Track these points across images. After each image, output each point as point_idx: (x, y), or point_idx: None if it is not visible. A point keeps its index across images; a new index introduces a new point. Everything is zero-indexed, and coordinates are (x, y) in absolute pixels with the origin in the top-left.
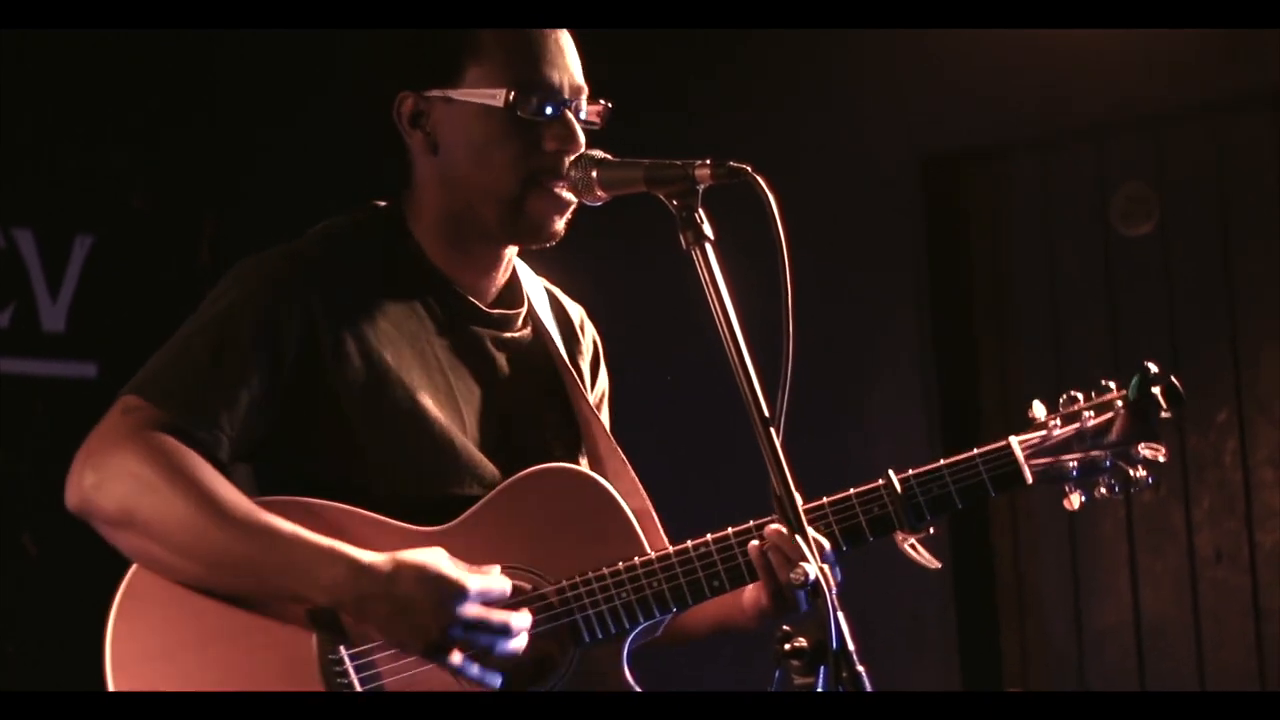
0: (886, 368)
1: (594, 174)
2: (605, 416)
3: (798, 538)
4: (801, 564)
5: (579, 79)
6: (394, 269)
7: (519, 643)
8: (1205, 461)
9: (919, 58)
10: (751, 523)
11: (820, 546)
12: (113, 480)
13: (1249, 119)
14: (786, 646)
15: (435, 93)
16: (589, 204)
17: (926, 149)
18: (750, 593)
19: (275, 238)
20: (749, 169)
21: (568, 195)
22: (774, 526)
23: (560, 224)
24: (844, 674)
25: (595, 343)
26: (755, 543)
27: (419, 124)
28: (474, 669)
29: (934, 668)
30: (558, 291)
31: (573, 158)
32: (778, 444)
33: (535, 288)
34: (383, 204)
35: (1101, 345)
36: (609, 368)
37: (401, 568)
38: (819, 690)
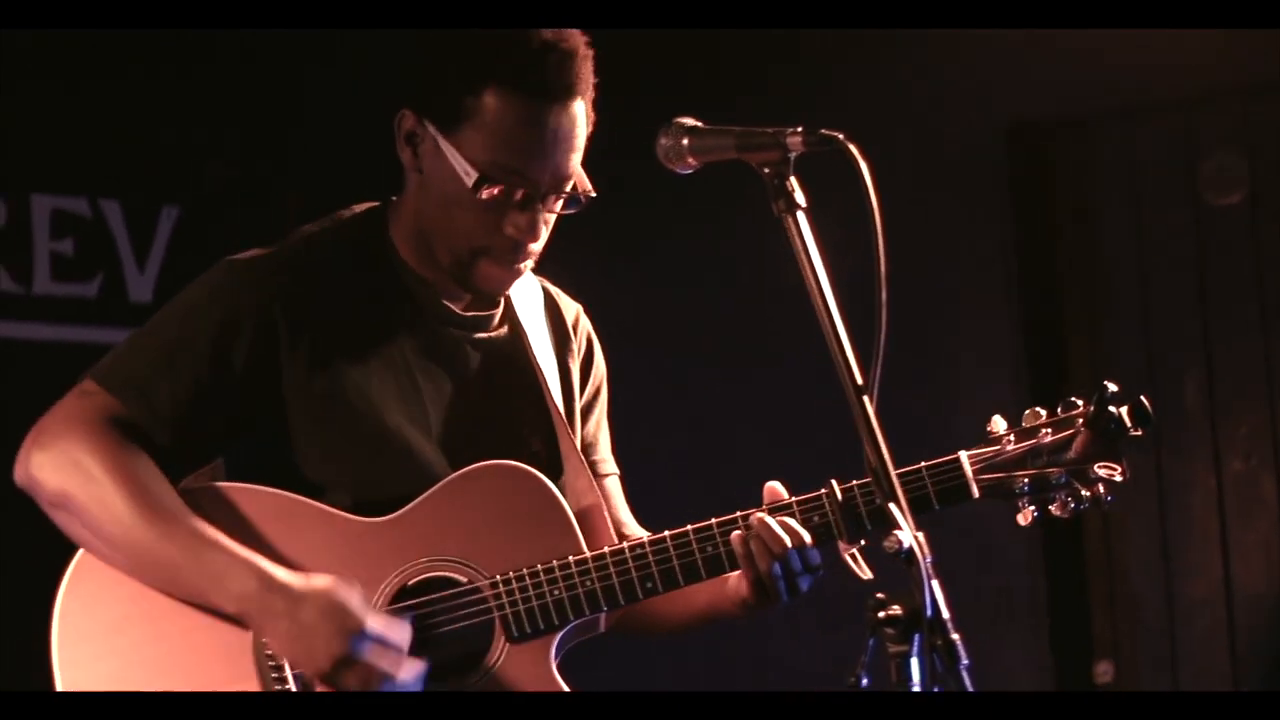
0: (972, 339)
1: (685, 142)
2: (600, 410)
3: (891, 506)
4: (895, 532)
5: (567, 169)
6: (369, 271)
7: (407, 687)
8: None
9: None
10: (689, 527)
11: (803, 545)
12: (56, 462)
13: None
14: (881, 615)
15: (431, 128)
16: (680, 172)
17: (1013, 118)
18: (732, 582)
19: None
20: (841, 136)
21: (520, 267)
22: (758, 515)
23: (505, 288)
24: (938, 642)
25: (589, 339)
26: (738, 532)
27: (412, 143)
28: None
29: (1023, 641)
30: (555, 290)
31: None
32: (871, 413)
33: (527, 287)
34: (369, 205)
35: (1190, 315)
36: (609, 362)
37: (309, 594)
38: (913, 658)
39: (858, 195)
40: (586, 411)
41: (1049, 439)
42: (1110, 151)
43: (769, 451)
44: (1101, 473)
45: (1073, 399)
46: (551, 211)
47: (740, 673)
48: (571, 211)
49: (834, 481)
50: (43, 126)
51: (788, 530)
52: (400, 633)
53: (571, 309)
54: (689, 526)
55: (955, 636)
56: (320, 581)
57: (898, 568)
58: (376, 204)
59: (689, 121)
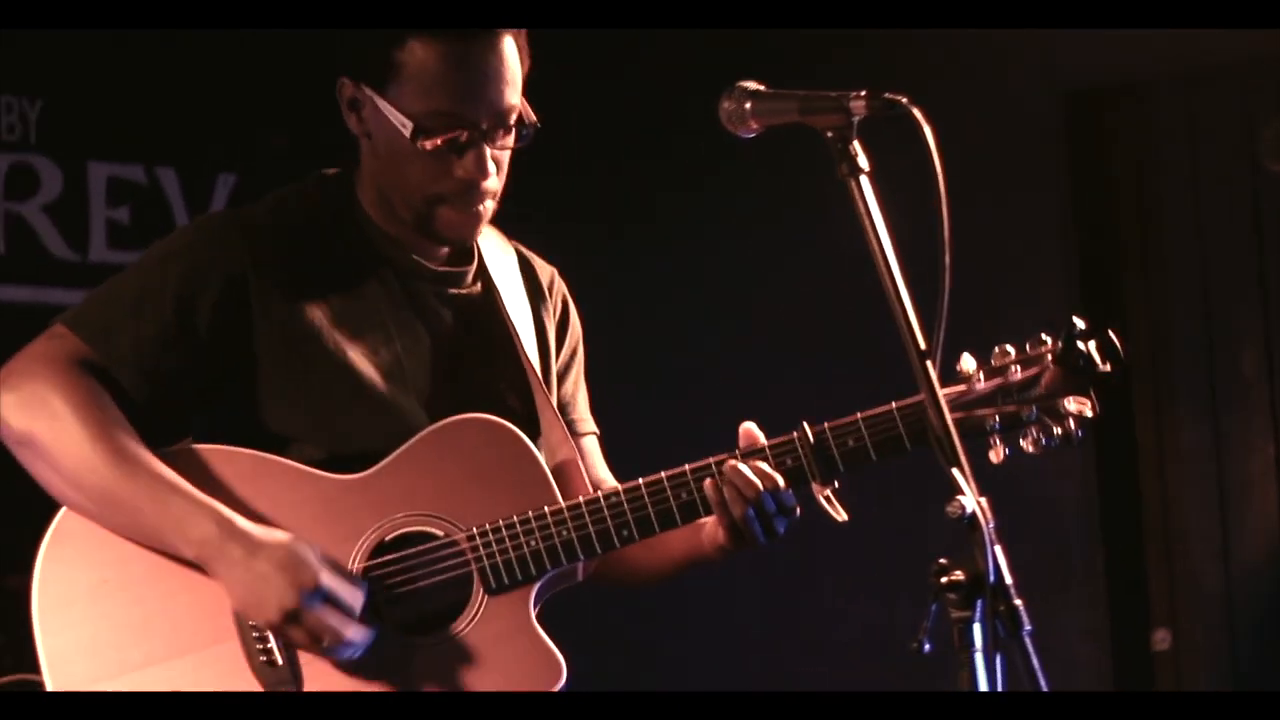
0: (1031, 306)
1: (748, 105)
2: (576, 370)
3: (955, 472)
4: (958, 497)
5: (504, 103)
6: (339, 231)
7: (346, 652)
8: None
9: None
10: (663, 474)
11: (775, 487)
12: (21, 400)
13: None
14: (943, 580)
15: (368, 90)
16: (743, 136)
17: (1071, 84)
18: (708, 528)
19: None
20: (905, 100)
21: (479, 209)
22: (730, 462)
23: (471, 234)
24: (1001, 608)
25: (565, 299)
26: (710, 479)
27: (355, 109)
28: (308, 648)
29: (1080, 609)
30: (529, 253)
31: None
32: (935, 377)
33: (502, 247)
34: (333, 171)
35: (1248, 282)
36: (582, 319)
37: (266, 544)
38: (976, 623)
39: (911, 162)
40: (564, 371)
41: (1018, 376)
42: (1169, 118)
43: (750, 408)
44: (1072, 408)
45: (1041, 335)
46: (498, 149)
47: (800, 638)
48: (521, 146)
49: (805, 424)
50: (99, 94)
51: (759, 474)
52: (353, 595)
53: (546, 270)
54: (663, 473)
55: (1018, 602)
56: (279, 535)
57: (960, 533)
58: (338, 170)
59: (752, 85)
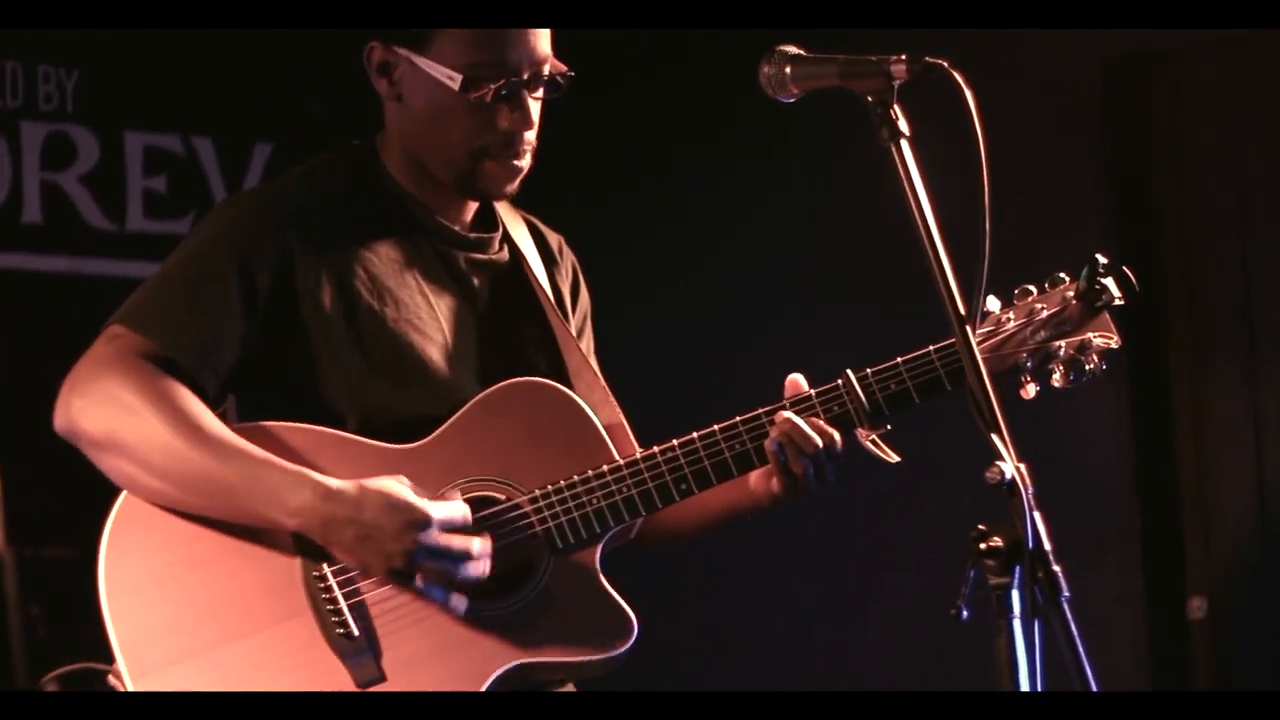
0: (1068, 273)
1: (788, 70)
2: (588, 337)
3: (993, 436)
4: (998, 463)
5: (541, 50)
6: (369, 199)
7: (481, 567)
8: None
9: None
10: (715, 426)
11: (831, 441)
12: (96, 404)
13: None
14: (982, 546)
15: (402, 51)
16: (783, 100)
17: (1109, 51)
18: (758, 482)
19: None
20: (945, 64)
21: (519, 163)
22: (785, 414)
23: (511, 187)
24: (1040, 574)
25: (575, 266)
26: (772, 438)
27: (386, 73)
28: (438, 592)
29: (1116, 576)
30: (537, 221)
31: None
32: (975, 342)
33: (513, 217)
34: (357, 143)
35: None
36: (589, 288)
37: (367, 494)
38: (1014, 590)
39: (951, 130)
40: (577, 336)
41: (1044, 313)
42: (1208, 86)
43: (769, 373)
44: (1099, 341)
45: (1059, 274)
46: (536, 98)
47: (838, 605)
48: (555, 96)
49: (849, 371)
50: (136, 63)
51: (818, 430)
52: (461, 511)
53: (554, 237)
54: (715, 426)
55: (1057, 569)
56: (371, 482)
57: (998, 499)
58: (360, 142)
59: (792, 50)
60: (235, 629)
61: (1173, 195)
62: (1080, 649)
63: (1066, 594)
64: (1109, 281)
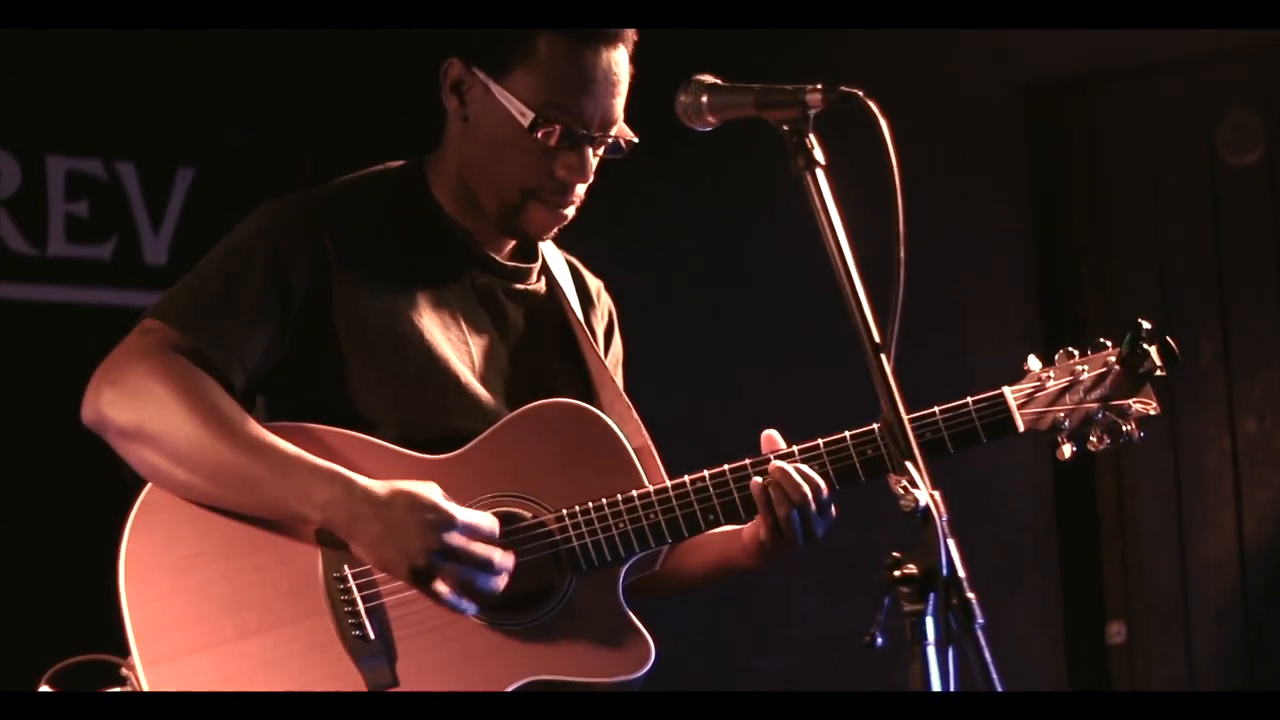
0: (987, 297)
1: (704, 99)
2: (619, 380)
3: (908, 464)
4: (912, 491)
5: (615, 112)
6: (411, 218)
7: (499, 580)
8: None
9: None
10: (747, 460)
11: (816, 487)
12: (126, 395)
13: None
14: (896, 573)
15: (480, 74)
16: (699, 130)
17: (1027, 77)
18: (748, 530)
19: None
20: (861, 93)
21: (566, 211)
22: (775, 463)
23: (551, 234)
24: (954, 601)
25: (611, 312)
26: (758, 479)
27: (458, 92)
28: (452, 597)
29: (1035, 601)
30: (578, 262)
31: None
32: (889, 370)
33: (555, 255)
34: (403, 161)
35: (1206, 274)
36: (623, 337)
37: (395, 494)
38: (928, 617)
39: (873, 157)
40: None
41: (1086, 375)
42: (1126, 110)
43: (774, 411)
44: (1138, 408)
45: (1101, 340)
46: (597, 155)
47: (756, 634)
48: (616, 157)
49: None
50: (58, 88)
51: (805, 477)
52: (489, 522)
53: (595, 281)
54: (746, 460)
55: (971, 596)
56: (402, 484)
57: (914, 526)
58: (408, 161)
59: (708, 79)
60: (252, 624)
61: (1091, 219)
62: (994, 676)
63: (981, 621)
64: (1151, 349)
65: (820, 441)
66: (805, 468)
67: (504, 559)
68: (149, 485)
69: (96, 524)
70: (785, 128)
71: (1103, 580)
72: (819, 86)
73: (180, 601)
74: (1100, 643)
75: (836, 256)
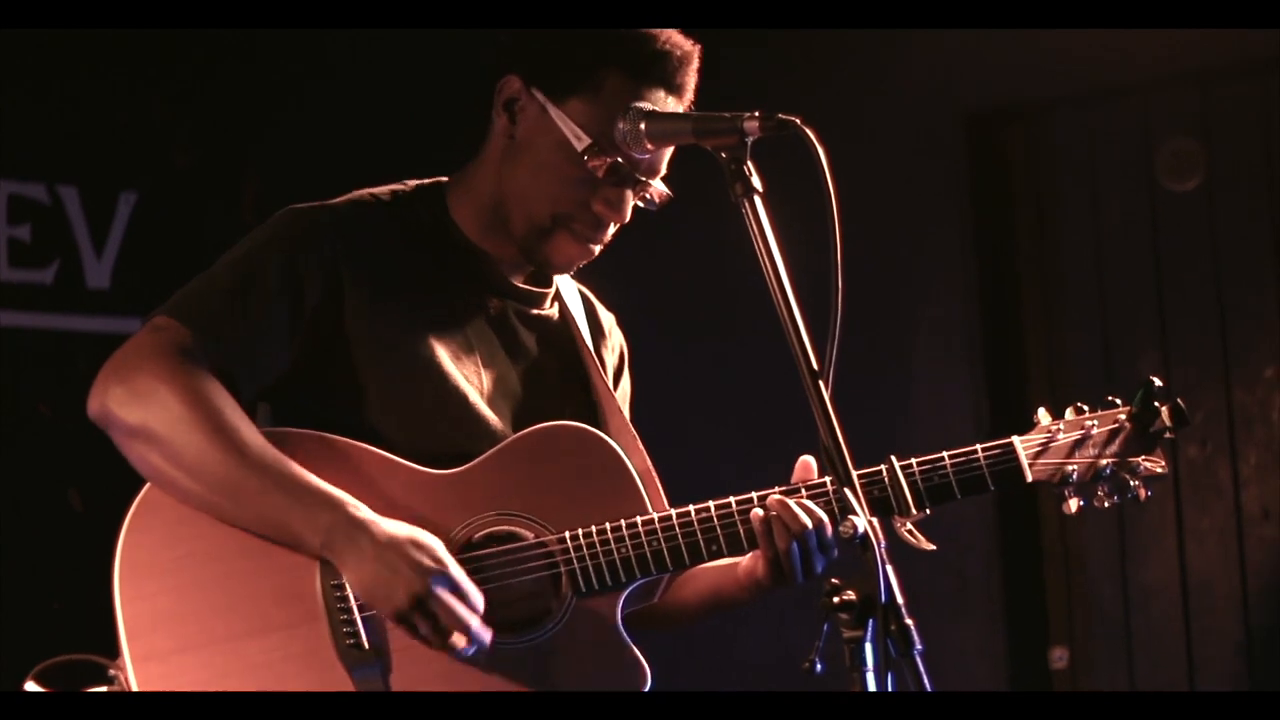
0: (930, 324)
1: (642, 126)
2: (626, 413)
3: (847, 491)
4: (850, 517)
5: (662, 164)
6: (427, 237)
7: (470, 650)
8: (1252, 418)
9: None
10: (754, 494)
11: (819, 522)
12: (136, 394)
13: None
14: (835, 599)
15: (538, 94)
16: (637, 156)
17: (970, 105)
18: (745, 564)
19: (317, 194)
20: (798, 121)
21: (592, 248)
22: (775, 496)
23: (572, 268)
24: (892, 627)
25: (622, 348)
26: (758, 511)
27: (510, 109)
28: (432, 639)
29: (979, 627)
30: (591, 295)
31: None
32: (826, 397)
33: (568, 285)
34: (425, 181)
35: (1146, 300)
36: (633, 376)
37: (396, 534)
38: (867, 643)
39: (817, 184)
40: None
41: (1096, 431)
42: (1066, 138)
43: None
44: (1146, 465)
45: (1111, 399)
46: (638, 199)
47: (695, 659)
48: (649, 208)
49: (894, 457)
50: (1, 111)
51: (807, 511)
52: (477, 596)
53: (608, 315)
54: (752, 494)
55: (909, 622)
56: (407, 528)
57: (854, 553)
58: (427, 180)
59: (646, 106)
60: (245, 627)
61: (1034, 246)
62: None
63: (919, 647)
64: (1162, 409)
65: (828, 479)
66: (808, 502)
67: (481, 629)
68: (147, 485)
69: (40, 549)
70: (723, 155)
71: (1045, 605)
72: (756, 114)
73: (173, 600)
74: (1043, 668)
75: (774, 284)
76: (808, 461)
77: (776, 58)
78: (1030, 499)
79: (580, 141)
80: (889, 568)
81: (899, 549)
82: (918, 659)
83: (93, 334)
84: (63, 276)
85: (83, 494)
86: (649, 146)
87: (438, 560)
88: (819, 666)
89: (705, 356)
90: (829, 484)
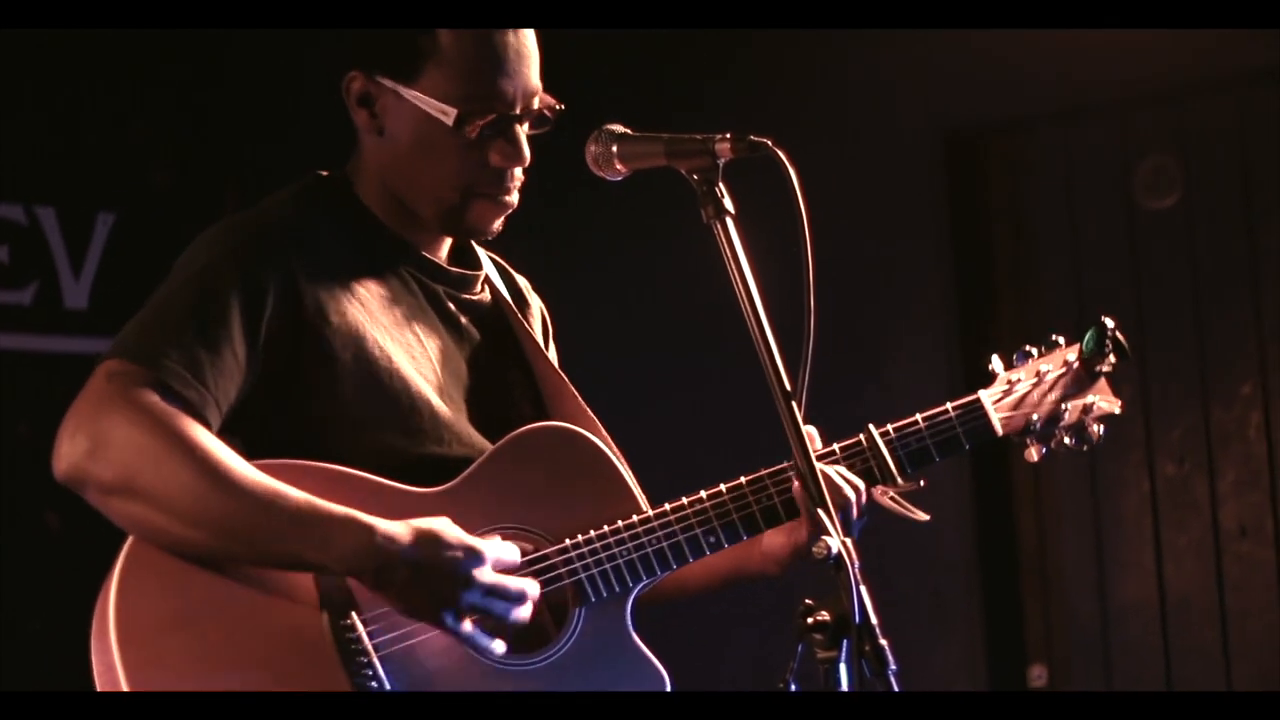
0: (909, 344)
1: (614, 149)
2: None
3: (819, 511)
4: (824, 538)
5: (533, 80)
6: (351, 232)
7: (527, 611)
8: (1229, 435)
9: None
10: (743, 479)
11: (858, 489)
12: (109, 447)
13: (1273, 90)
14: (809, 620)
15: (387, 82)
16: (610, 179)
17: (948, 122)
18: (777, 537)
19: None
20: (769, 142)
21: (508, 199)
22: (821, 468)
23: (496, 225)
24: (866, 647)
25: (543, 313)
26: (799, 483)
27: (366, 104)
28: (481, 638)
29: (957, 643)
30: (503, 261)
31: (522, 163)
32: (800, 418)
33: (489, 266)
34: (325, 173)
35: (1126, 319)
36: (556, 342)
37: (420, 534)
38: (841, 663)
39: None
40: None
41: (1049, 374)
42: (1045, 155)
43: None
44: (1102, 405)
45: (1055, 337)
46: (529, 133)
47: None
48: (545, 130)
49: (871, 427)
50: None
51: (848, 481)
52: (511, 552)
53: (523, 280)
54: (742, 479)
55: (883, 642)
56: (424, 523)
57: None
58: (326, 173)
59: (618, 128)
60: (257, 682)
61: (1012, 263)
62: None
63: (893, 667)
64: (1109, 348)
65: (861, 437)
66: (847, 473)
67: (531, 587)
68: (131, 538)
69: (17, 570)
70: (695, 177)
71: (1024, 624)
72: (728, 136)
73: (179, 662)
74: (1022, 686)
75: (746, 305)
76: (810, 433)
77: (756, 74)
78: (1007, 517)
79: (448, 114)
80: (863, 588)
81: (878, 567)
82: (892, 679)
83: (71, 355)
84: (41, 297)
85: (60, 515)
86: (621, 169)
87: (469, 546)
88: (793, 687)
89: (679, 378)
90: (862, 440)
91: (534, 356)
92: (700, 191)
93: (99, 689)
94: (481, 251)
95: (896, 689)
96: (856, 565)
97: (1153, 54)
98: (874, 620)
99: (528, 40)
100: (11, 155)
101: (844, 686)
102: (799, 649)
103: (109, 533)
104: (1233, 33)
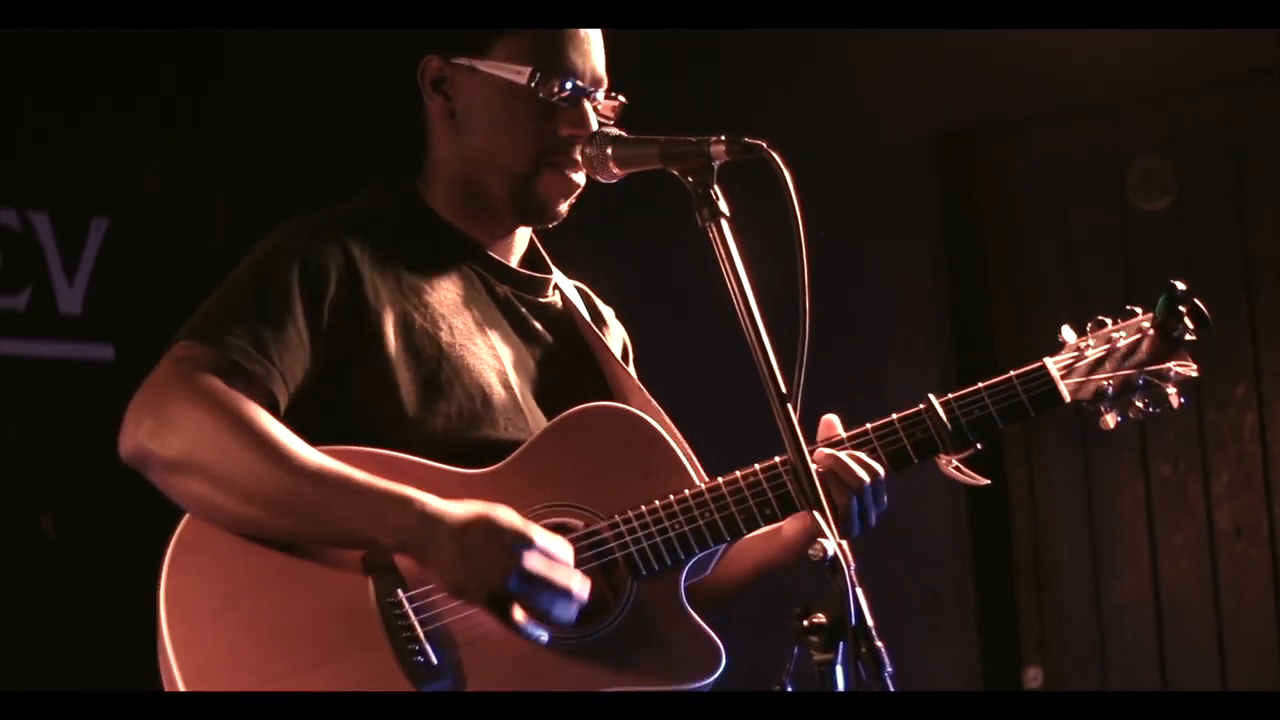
0: (901, 345)
1: (609, 151)
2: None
3: (815, 513)
4: (820, 540)
5: (601, 71)
6: (419, 234)
7: (575, 607)
8: (1224, 436)
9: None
10: (776, 458)
11: (874, 473)
12: (172, 426)
13: (1265, 92)
14: (805, 623)
15: (461, 60)
16: (604, 181)
17: (940, 123)
18: (790, 527)
19: (288, 217)
20: (764, 145)
21: (576, 178)
22: (824, 450)
23: (564, 206)
24: (863, 649)
25: (625, 340)
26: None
27: (440, 89)
28: (529, 625)
29: (952, 645)
30: (587, 288)
31: (588, 135)
32: (795, 420)
33: (566, 283)
34: (388, 181)
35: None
36: (638, 370)
37: (472, 516)
38: (838, 665)
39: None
40: None
41: (1122, 342)
42: (1038, 156)
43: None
44: (1179, 370)
45: (1130, 308)
46: (597, 114)
47: None
48: (610, 119)
49: (932, 396)
50: None
51: (862, 465)
52: (564, 548)
53: (607, 309)
54: (776, 459)
55: (880, 644)
56: (477, 505)
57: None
58: (397, 181)
59: (613, 131)
60: (305, 659)
61: (1005, 264)
62: None
63: (890, 669)
64: (1184, 312)
65: (868, 426)
66: (863, 456)
67: (581, 586)
68: (184, 520)
69: (11, 574)
70: (690, 179)
71: (1019, 625)
72: (722, 138)
73: (227, 641)
74: (1017, 687)
75: (741, 307)
76: (830, 420)
77: (746, 75)
78: (1002, 518)
79: (523, 74)
80: (859, 590)
81: (872, 568)
82: (888, 681)
83: (65, 360)
84: (35, 303)
85: (55, 519)
86: (616, 171)
87: (519, 531)
88: (790, 689)
89: (679, 377)
90: (923, 411)
91: (605, 360)
92: (695, 194)
93: (161, 671)
94: (566, 280)
95: (892, 691)
96: (853, 567)
97: (1144, 55)
98: (870, 622)
99: (595, 31)
100: (4, 160)
101: (840, 688)
102: (795, 651)
103: (102, 536)
104: (1224, 33)
